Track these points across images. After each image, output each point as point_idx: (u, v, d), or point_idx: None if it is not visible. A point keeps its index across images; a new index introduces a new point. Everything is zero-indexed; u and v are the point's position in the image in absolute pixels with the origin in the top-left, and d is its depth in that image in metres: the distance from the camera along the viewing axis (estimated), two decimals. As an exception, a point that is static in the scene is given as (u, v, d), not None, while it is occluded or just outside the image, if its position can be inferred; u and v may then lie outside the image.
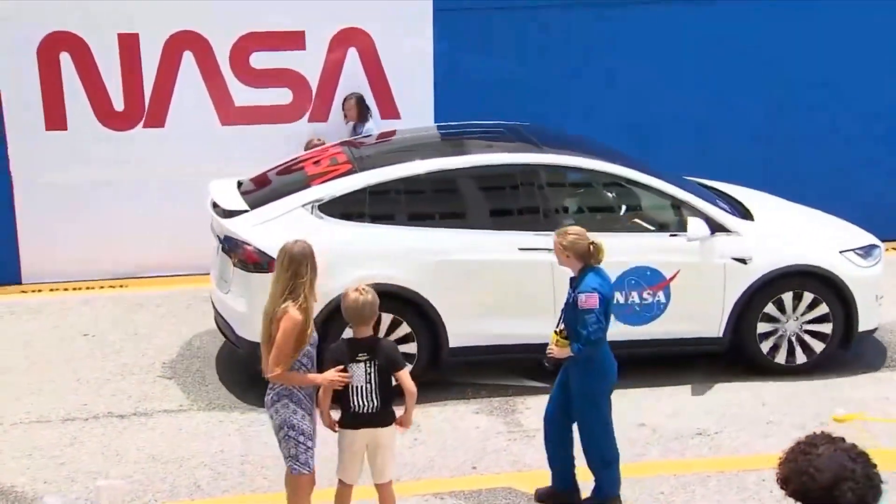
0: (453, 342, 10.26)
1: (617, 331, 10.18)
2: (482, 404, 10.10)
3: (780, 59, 13.12)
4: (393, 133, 11.09)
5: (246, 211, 10.51)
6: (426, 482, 8.54)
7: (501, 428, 9.64)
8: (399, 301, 10.18)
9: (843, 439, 3.92)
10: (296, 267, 7.07)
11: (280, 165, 11.13)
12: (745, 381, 10.49)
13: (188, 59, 12.68)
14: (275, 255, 9.66)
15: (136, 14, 12.23)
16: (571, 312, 7.63)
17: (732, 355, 11.01)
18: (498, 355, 10.63)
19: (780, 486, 3.74)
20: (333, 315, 9.56)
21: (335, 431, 7.21)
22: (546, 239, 10.13)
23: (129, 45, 12.52)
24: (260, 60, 12.86)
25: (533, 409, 9.85)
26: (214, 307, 10.47)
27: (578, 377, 7.76)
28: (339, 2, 12.84)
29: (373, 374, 7.21)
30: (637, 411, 9.61)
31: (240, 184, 10.83)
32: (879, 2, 12.96)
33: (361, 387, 7.23)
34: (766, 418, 9.20)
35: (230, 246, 10.14)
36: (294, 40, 13.29)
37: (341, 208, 10.33)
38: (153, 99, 12.61)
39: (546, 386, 10.09)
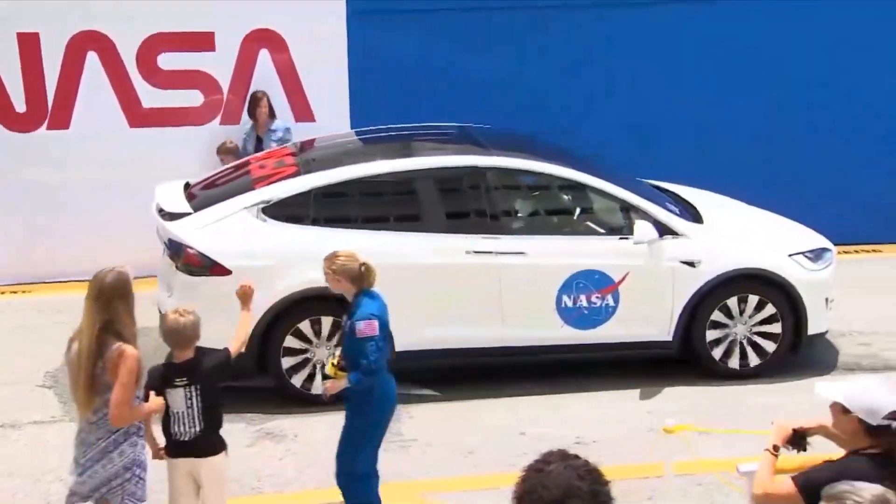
0: (399, 346, 10.59)
1: (566, 335, 11.14)
2: (366, 414, 9.68)
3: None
4: (313, 141, 12.45)
5: (189, 214, 10.95)
6: (288, 496, 8.93)
7: (380, 438, 9.42)
8: (344, 305, 10.04)
9: (576, 456, 4.10)
10: (107, 298, 6.74)
11: (228, 167, 11.96)
12: (648, 388, 11.21)
13: (92, 59, 13.57)
14: (218, 259, 10.56)
15: (37, 13, 13.18)
16: (350, 341, 7.82)
17: (683, 359, 11.55)
18: (445, 359, 11.24)
19: None
20: (275, 321, 10.60)
21: (163, 459, 7.32)
22: (493, 242, 10.94)
23: (29, 45, 13.33)
24: (168, 61, 13.73)
25: (416, 418, 10.51)
26: (159, 311, 10.96)
27: (357, 407, 7.99)
28: (249, 2, 13.87)
29: (193, 399, 7.11)
30: (526, 420, 10.34)
31: (188, 185, 11.50)
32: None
33: (182, 412, 7.15)
34: (648, 426, 9.82)
35: (173, 249, 10.68)
36: (203, 41, 14.03)
37: (286, 211, 10.82)
38: (56, 100, 13.43)
39: (436, 394, 11.24)
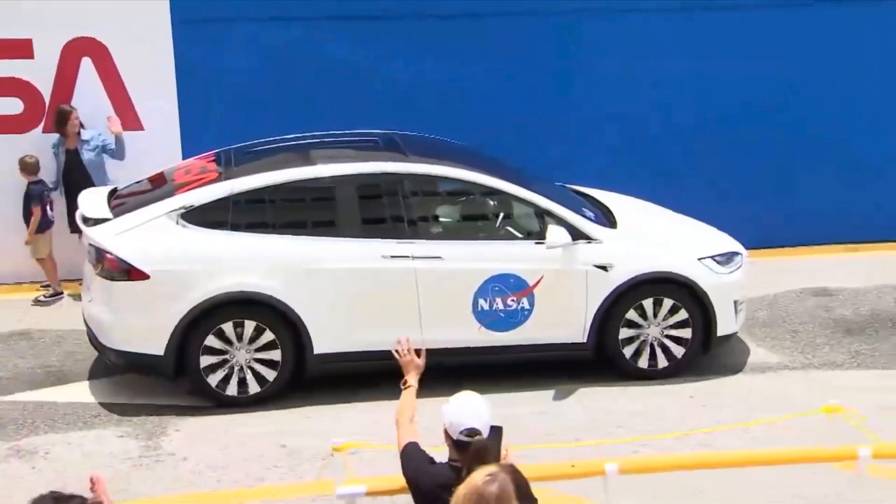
0: (318, 349, 12.11)
1: (483, 337, 12.19)
2: (133, 426, 11.67)
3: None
4: (237, 147, 13.83)
5: (109, 219, 12.07)
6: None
7: (137, 452, 11.11)
8: (262, 308, 11.75)
9: (69, 498, 4.15)
10: None
11: (154, 174, 13.30)
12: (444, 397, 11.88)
13: None
14: (136, 264, 11.25)
15: None
16: None
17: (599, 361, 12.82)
18: (363, 362, 12.06)
19: None
20: (193, 325, 11.46)
21: None
22: (410, 247, 11.97)
23: None
24: (-17, 68, 18.32)
25: (183, 431, 11.72)
26: (83, 315, 12.62)
27: None
28: (69, 10, 15.53)
29: None
30: (295, 430, 11.23)
31: (114, 192, 13.04)
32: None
33: None
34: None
35: (94, 255, 12.05)
36: (20, 49, 15.45)
37: (205, 217, 12.12)
38: None
39: (208, 406, 11.82)
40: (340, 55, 16.55)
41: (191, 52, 16.21)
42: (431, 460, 6.71)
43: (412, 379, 7.24)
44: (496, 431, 6.54)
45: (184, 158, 15.71)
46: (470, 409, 6.54)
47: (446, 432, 6.59)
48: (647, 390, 12.65)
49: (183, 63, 16.23)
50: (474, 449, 6.29)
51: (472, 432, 6.42)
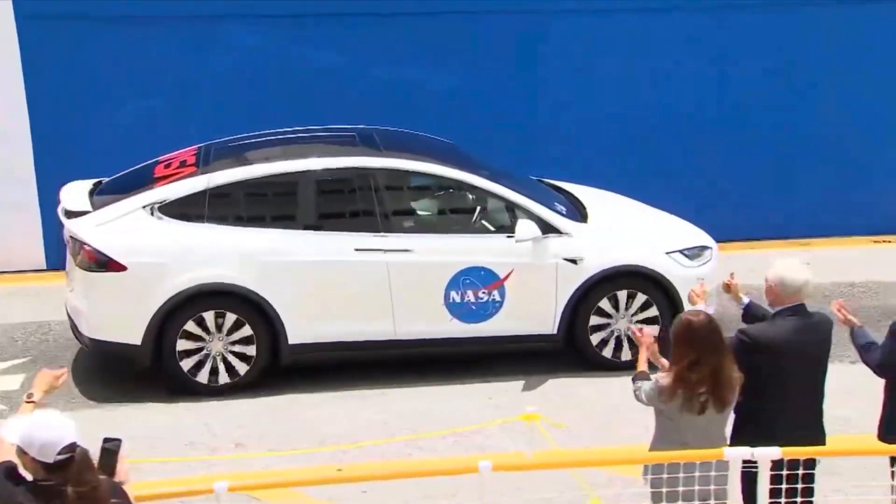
0: (293, 339, 12.63)
1: (454, 328, 12.69)
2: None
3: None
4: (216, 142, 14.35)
5: (89, 212, 12.53)
6: None
7: None
8: (238, 300, 12.24)
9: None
10: None
11: (135, 168, 13.68)
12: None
13: None
14: (113, 256, 11.79)
15: None
16: None
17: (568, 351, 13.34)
18: (337, 352, 12.61)
19: None
20: (169, 316, 11.98)
21: None
22: (382, 240, 12.48)
23: None
24: None
25: None
26: (65, 305, 13.06)
27: None
28: None
29: None
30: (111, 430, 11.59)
31: (98, 185, 13.45)
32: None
33: None
34: (188, 439, 10.96)
35: (73, 246, 12.51)
36: None
37: (181, 210, 12.61)
38: None
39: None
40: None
41: (38, 46, 15.96)
42: (19, 481, 6.19)
43: (37, 394, 6.90)
44: (115, 443, 6.32)
45: (34, 154, 16.07)
46: (64, 426, 6.12)
47: (29, 456, 6.01)
48: (450, 389, 12.51)
49: (30, 57, 16.00)
50: (80, 460, 6.08)
51: (72, 447, 6.09)
